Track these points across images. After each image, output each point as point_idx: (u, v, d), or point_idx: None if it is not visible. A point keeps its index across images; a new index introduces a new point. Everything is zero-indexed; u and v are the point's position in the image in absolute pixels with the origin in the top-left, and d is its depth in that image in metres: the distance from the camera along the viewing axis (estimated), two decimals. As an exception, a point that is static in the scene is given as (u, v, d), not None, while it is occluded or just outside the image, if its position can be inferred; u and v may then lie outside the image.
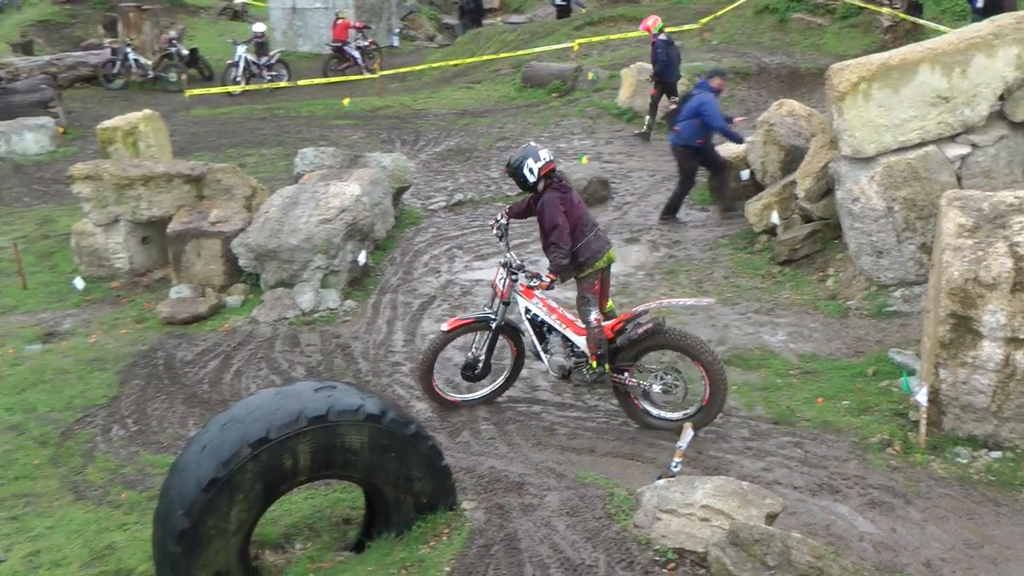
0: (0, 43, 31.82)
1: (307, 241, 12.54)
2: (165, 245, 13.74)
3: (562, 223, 8.75)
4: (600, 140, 20.51)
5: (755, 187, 14.81)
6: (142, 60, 30.19)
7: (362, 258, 13.19)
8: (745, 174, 15.19)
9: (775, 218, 13.35)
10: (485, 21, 37.46)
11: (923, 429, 8.41)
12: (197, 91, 27.01)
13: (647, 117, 20.21)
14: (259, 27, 30.79)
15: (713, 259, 13.54)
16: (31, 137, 22.17)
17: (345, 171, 14.85)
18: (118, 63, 29.85)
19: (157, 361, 11.41)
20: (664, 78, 19.50)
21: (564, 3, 34.24)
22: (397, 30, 38.15)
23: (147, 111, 16.84)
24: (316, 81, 28.39)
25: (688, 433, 7.39)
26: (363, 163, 15.55)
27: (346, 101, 25.00)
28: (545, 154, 8.96)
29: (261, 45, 29.77)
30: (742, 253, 13.61)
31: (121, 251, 14.12)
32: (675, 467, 7.34)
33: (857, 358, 10.24)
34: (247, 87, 28.55)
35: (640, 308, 9.14)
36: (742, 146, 15.19)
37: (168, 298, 13.04)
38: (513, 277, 9.24)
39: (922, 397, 8.29)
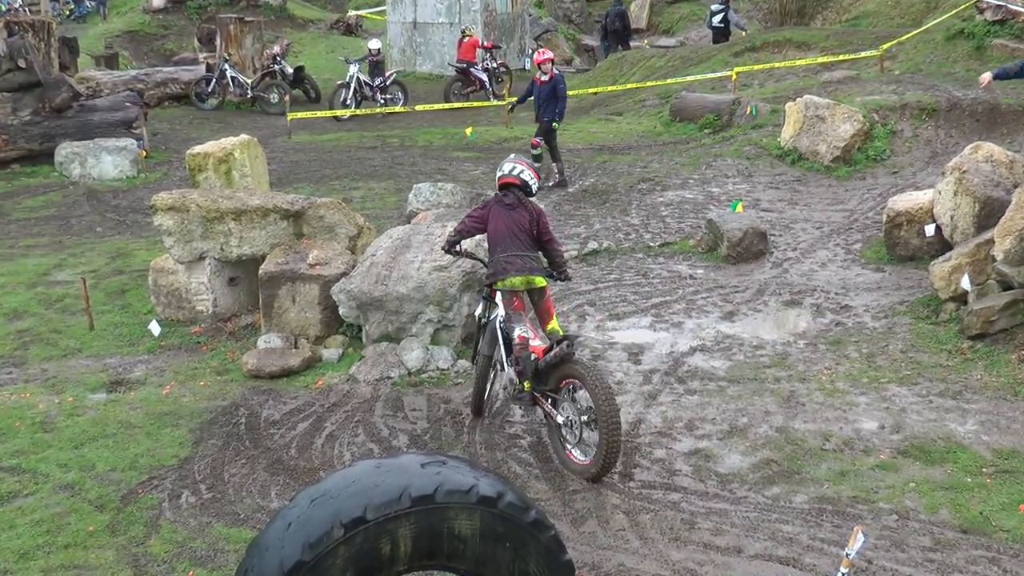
0: (82, 55, 32.85)
1: (418, 290, 12.53)
2: (255, 288, 13.88)
3: (468, 218, 10.89)
4: (758, 185, 20.23)
5: (942, 245, 14.40)
6: (241, 78, 31.00)
7: (479, 311, 13.12)
8: (930, 229, 14.77)
9: (966, 283, 12.90)
10: (631, 43, 37.52)
11: None
12: (300, 114, 27.58)
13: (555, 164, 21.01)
14: (375, 43, 31.39)
15: (889, 329, 13.14)
16: (110, 160, 22.80)
17: (464, 211, 14.83)
18: (214, 81, 30.70)
19: (238, 419, 11.46)
20: (559, 117, 20.67)
21: (722, 25, 33.94)
22: (530, 51, 38.54)
23: (244, 136, 17.08)
24: (436, 106, 28.77)
25: (859, 538, 7.08)
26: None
27: (469, 131, 25.22)
28: (507, 168, 10.81)
29: (376, 64, 30.30)
30: (924, 323, 13.18)
31: (204, 292, 14.30)
32: (842, 580, 7.05)
33: (1067, 457, 9.78)
34: (357, 111, 29.04)
35: (572, 333, 10.41)
36: (927, 196, 14.73)
37: (255, 348, 13.15)
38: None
39: None
